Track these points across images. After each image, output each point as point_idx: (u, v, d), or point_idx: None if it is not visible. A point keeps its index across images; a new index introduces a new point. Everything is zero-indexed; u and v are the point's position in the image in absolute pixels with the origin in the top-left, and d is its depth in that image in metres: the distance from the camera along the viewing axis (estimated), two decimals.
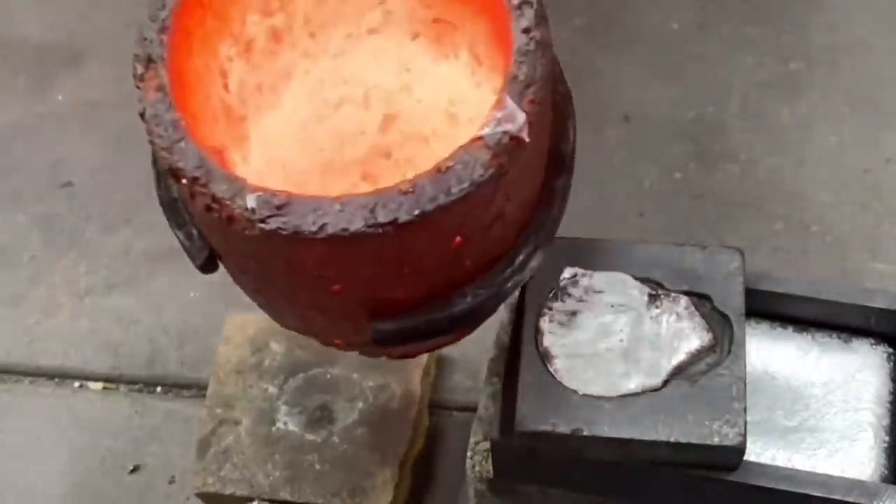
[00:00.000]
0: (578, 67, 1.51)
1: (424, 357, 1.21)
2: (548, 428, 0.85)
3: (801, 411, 0.95)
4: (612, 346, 0.88)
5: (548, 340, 0.88)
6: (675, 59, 1.50)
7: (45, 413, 1.29)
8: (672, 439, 0.85)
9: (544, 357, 0.88)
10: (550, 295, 0.91)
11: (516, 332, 0.92)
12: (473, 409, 1.01)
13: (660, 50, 1.51)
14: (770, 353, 0.97)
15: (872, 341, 0.98)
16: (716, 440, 0.85)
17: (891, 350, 0.98)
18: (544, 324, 0.89)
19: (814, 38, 1.51)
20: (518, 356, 0.89)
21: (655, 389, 0.86)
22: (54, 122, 1.52)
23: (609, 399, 0.86)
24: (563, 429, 0.85)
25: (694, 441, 0.85)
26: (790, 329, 0.99)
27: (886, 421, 0.95)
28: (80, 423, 1.28)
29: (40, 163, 1.47)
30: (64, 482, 1.24)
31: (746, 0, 1.55)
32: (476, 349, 1.26)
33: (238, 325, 1.23)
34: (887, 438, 0.94)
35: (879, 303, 0.97)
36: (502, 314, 1.06)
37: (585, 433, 0.84)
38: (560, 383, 0.86)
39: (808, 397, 0.96)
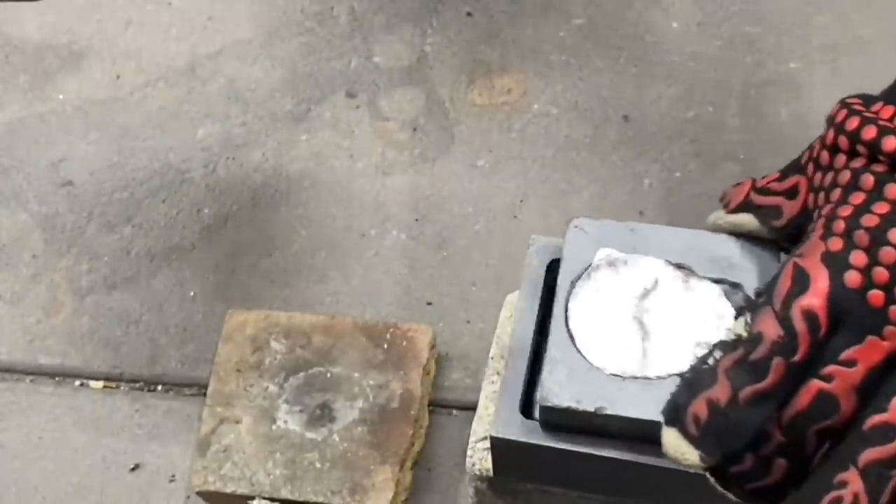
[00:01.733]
0: (578, 67, 1.51)
1: (424, 356, 1.21)
2: (571, 404, 0.84)
3: None
4: (641, 329, 0.88)
5: (576, 319, 0.88)
6: (675, 59, 1.51)
7: (46, 412, 1.29)
8: None
9: (572, 335, 0.87)
10: (583, 275, 0.90)
11: (545, 310, 0.92)
12: (473, 408, 1.01)
13: (660, 49, 1.52)
14: None
15: None
16: None
17: None
18: (574, 302, 0.89)
19: (814, 38, 1.51)
20: (545, 335, 0.88)
21: (682, 375, 0.86)
22: (55, 121, 1.52)
23: (635, 380, 0.85)
24: (587, 406, 0.84)
25: None
26: None
27: None
28: (81, 422, 1.28)
29: (41, 162, 1.48)
30: (64, 481, 1.24)
31: (746, 0, 1.55)
32: (476, 348, 1.27)
33: (238, 323, 1.23)
34: None
35: None
36: (501, 313, 1.06)
37: (609, 412, 0.84)
38: (587, 361, 0.86)
39: None
